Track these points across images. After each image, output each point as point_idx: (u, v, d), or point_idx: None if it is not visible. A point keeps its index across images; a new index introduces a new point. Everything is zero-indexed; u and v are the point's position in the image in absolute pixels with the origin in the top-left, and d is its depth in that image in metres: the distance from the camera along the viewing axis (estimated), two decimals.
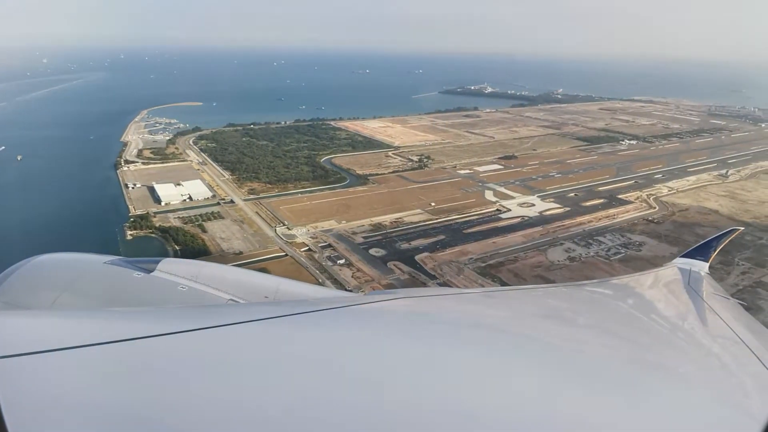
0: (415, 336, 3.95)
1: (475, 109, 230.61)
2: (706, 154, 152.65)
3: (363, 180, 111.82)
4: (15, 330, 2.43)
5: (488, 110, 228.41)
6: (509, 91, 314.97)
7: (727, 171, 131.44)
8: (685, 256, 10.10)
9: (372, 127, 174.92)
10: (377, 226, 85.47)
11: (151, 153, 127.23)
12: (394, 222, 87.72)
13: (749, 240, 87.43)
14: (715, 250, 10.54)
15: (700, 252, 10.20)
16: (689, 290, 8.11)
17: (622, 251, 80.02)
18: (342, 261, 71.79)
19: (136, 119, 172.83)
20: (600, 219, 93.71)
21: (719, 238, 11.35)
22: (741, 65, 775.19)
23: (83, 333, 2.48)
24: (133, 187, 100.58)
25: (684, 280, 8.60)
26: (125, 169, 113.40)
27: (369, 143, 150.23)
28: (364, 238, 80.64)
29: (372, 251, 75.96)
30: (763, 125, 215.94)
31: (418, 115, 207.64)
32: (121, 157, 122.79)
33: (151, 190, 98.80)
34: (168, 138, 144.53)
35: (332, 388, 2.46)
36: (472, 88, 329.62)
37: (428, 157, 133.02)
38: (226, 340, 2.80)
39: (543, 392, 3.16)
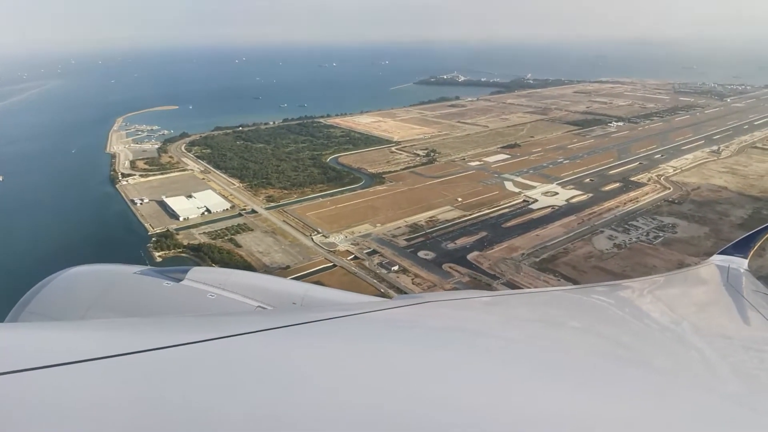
0: (441, 342, 3.81)
1: (457, 98, 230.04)
2: (690, 132, 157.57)
3: (379, 179, 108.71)
4: (45, 342, 2.51)
5: (470, 99, 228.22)
6: (482, 79, 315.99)
7: (719, 148, 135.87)
8: (722, 252, 9.83)
9: (364, 123, 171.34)
10: (414, 227, 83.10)
11: (145, 164, 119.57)
12: (429, 221, 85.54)
13: (765, 214, 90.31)
14: (754, 246, 10.19)
15: (738, 248, 9.93)
16: (728, 288, 7.99)
17: (661, 234, 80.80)
18: (396, 267, 69.13)
19: (115, 128, 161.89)
20: (625, 203, 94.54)
21: (758, 234, 10.80)
22: (688, 42, 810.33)
23: (110, 343, 2.51)
24: (140, 203, 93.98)
25: (723, 278, 8.45)
26: (124, 183, 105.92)
27: (368, 140, 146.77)
28: (406, 240, 78.14)
29: (420, 254, 73.63)
30: (728, 100, 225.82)
31: (404, 107, 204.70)
32: (114, 170, 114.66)
33: (162, 204, 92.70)
34: (157, 146, 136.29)
35: (358, 395, 2.47)
36: (445, 77, 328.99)
37: (434, 151, 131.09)
38: (255, 348, 2.83)
39: (571, 397, 3.01)
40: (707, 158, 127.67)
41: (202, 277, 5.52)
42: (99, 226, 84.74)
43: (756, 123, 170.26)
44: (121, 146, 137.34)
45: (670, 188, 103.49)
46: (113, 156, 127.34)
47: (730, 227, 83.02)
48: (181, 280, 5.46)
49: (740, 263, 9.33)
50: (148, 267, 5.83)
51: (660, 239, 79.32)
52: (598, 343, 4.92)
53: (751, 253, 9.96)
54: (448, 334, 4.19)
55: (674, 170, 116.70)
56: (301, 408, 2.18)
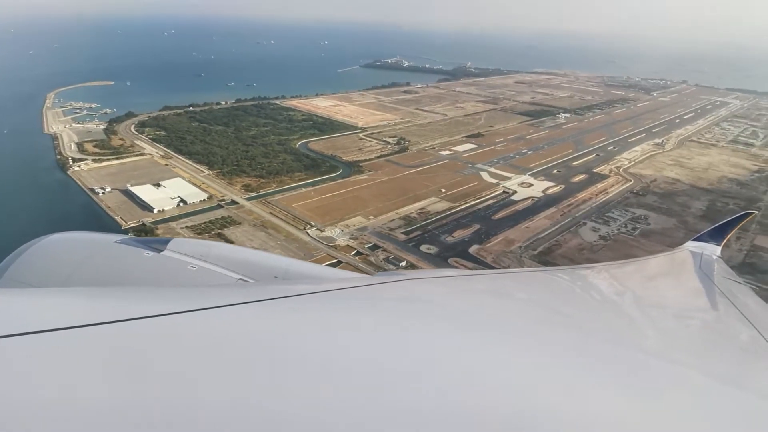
0: (424, 319, 3.87)
1: (408, 84, 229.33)
2: (630, 125, 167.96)
3: (357, 168, 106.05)
4: (23, 308, 2.49)
5: (420, 86, 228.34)
6: (426, 65, 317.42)
7: (662, 141, 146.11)
8: (696, 239, 10.26)
9: (323, 106, 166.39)
10: (407, 219, 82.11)
11: (95, 147, 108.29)
12: (421, 213, 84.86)
13: (720, 206, 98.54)
14: (727, 234, 10.72)
15: (712, 236, 10.37)
16: (700, 274, 8.29)
17: (638, 226, 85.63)
18: (403, 263, 68.01)
19: (48, 105, 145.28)
20: (597, 195, 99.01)
21: (732, 223, 11.35)
22: (607, 37, 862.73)
23: (90, 312, 2.46)
24: (103, 192, 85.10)
25: (695, 264, 8.79)
26: (77, 169, 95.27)
27: (332, 125, 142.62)
28: (404, 234, 77.06)
29: (423, 248, 72.99)
30: (655, 94, 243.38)
31: (359, 92, 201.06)
32: (61, 154, 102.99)
33: (129, 194, 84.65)
34: (103, 127, 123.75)
35: (340, 370, 2.43)
36: (389, 61, 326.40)
37: (403, 139, 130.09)
38: (234, 320, 2.80)
39: (542, 381, 3.03)
40: (654, 151, 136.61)
41: (183, 248, 5.40)
42: (61, 219, 74.94)
43: (685, 117, 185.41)
44: (60, 126, 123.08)
45: (631, 180, 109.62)
46: (54, 137, 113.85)
47: (695, 219, 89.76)
48: (161, 251, 5.33)
49: (713, 250, 9.59)
50: (129, 236, 5.77)
51: (638, 231, 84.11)
52: (572, 322, 5.04)
53: (724, 241, 10.27)
54: (431, 311, 4.21)
55: (629, 162, 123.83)
56: (281, 381, 2.15)
